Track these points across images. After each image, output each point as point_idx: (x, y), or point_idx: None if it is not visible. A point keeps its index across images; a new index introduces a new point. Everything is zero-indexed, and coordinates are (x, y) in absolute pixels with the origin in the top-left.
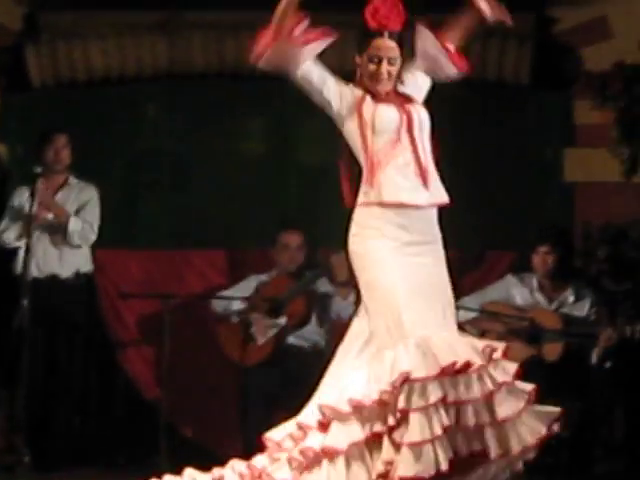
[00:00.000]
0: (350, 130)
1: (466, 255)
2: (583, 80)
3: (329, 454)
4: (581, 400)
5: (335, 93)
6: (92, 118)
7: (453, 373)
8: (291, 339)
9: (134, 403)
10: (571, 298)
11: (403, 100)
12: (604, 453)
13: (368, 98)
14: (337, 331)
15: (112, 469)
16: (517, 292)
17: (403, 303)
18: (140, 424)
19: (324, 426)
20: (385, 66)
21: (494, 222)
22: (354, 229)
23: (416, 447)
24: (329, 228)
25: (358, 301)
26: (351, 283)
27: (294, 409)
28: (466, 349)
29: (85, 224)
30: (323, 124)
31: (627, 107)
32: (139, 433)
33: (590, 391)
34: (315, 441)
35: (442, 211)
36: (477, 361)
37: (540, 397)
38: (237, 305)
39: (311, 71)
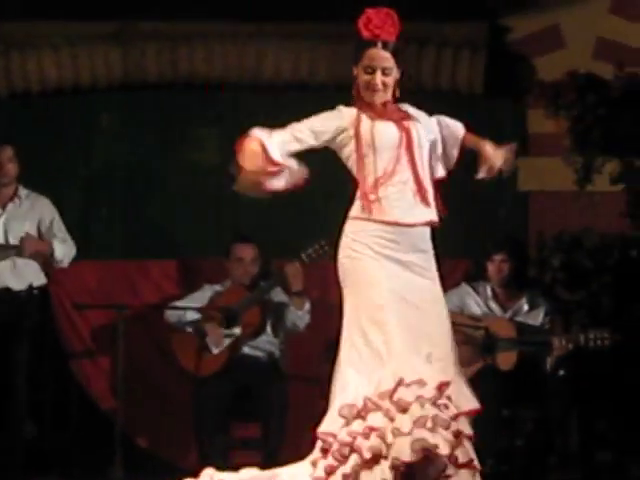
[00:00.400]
0: (348, 152)
1: None
2: (536, 89)
3: None
4: (536, 408)
5: (330, 133)
6: (46, 129)
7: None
8: (246, 349)
9: (89, 414)
10: (525, 307)
11: (402, 116)
12: (559, 461)
13: (364, 117)
14: (292, 341)
15: None
16: (471, 301)
17: (389, 328)
18: (95, 435)
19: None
20: (379, 76)
21: (448, 230)
22: (346, 242)
23: None
24: (283, 238)
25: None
26: (305, 293)
27: (248, 419)
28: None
29: (65, 244)
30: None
31: (580, 116)
32: (94, 444)
33: (544, 399)
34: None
35: None
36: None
37: (495, 406)
38: (191, 315)
39: (294, 147)
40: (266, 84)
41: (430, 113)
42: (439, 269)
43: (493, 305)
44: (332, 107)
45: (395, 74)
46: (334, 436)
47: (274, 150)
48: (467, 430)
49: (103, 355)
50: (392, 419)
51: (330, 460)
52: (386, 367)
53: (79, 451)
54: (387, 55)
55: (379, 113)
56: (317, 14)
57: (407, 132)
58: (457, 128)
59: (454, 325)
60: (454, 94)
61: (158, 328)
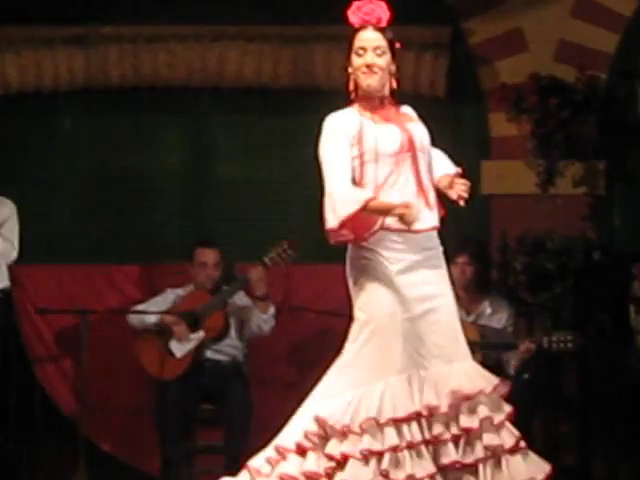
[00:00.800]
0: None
1: None
2: (499, 92)
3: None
4: None
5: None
6: (8, 132)
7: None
8: (209, 353)
9: (53, 418)
10: (488, 310)
11: (404, 118)
12: None
13: (365, 121)
14: (256, 345)
15: None
16: None
17: (394, 339)
18: (59, 440)
19: (303, 450)
20: (372, 56)
21: None
22: (352, 248)
23: None
24: (247, 241)
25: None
26: (270, 297)
27: (211, 423)
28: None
29: (7, 242)
30: (241, 138)
31: (542, 119)
32: (58, 449)
33: (509, 403)
34: (293, 466)
35: None
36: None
37: None
38: (154, 319)
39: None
40: (229, 88)
41: None
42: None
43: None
44: (295, 111)
45: (389, 62)
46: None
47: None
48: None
49: (67, 360)
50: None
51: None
52: (377, 386)
53: (43, 456)
54: (378, 35)
55: (380, 114)
56: (279, 17)
57: (410, 136)
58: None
59: None
60: (416, 97)
61: (121, 332)
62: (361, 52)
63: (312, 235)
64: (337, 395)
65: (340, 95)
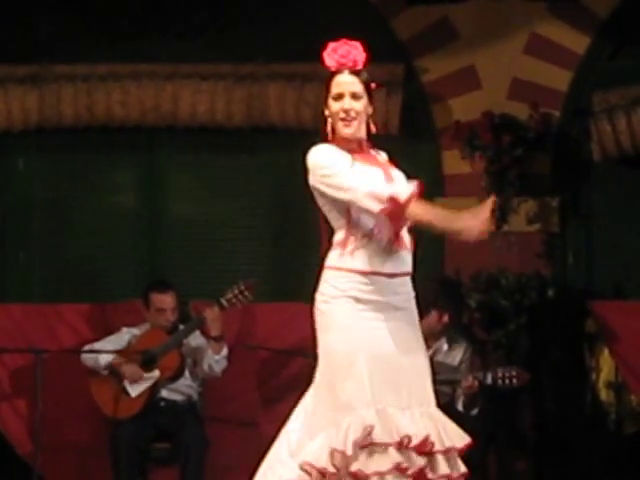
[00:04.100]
0: (323, 200)
1: None
2: (452, 130)
3: None
4: None
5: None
6: None
7: (412, 447)
8: (164, 392)
9: (7, 458)
10: (445, 346)
11: (386, 164)
12: None
13: (354, 162)
14: (211, 383)
15: None
16: None
17: (366, 374)
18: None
19: None
20: (348, 100)
21: None
22: (324, 288)
23: None
24: (201, 279)
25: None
26: (224, 338)
27: (166, 462)
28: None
29: None
30: (194, 176)
31: (496, 156)
32: None
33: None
34: None
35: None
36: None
37: None
38: (109, 358)
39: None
40: (182, 126)
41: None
42: None
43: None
44: (248, 149)
45: (366, 105)
46: None
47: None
48: (462, 469)
49: (21, 399)
50: None
51: None
52: (355, 415)
53: None
54: (355, 80)
55: (360, 156)
56: (233, 55)
57: (390, 178)
58: None
59: None
60: (370, 134)
61: (76, 372)
62: (337, 97)
63: (266, 273)
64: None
65: (293, 133)
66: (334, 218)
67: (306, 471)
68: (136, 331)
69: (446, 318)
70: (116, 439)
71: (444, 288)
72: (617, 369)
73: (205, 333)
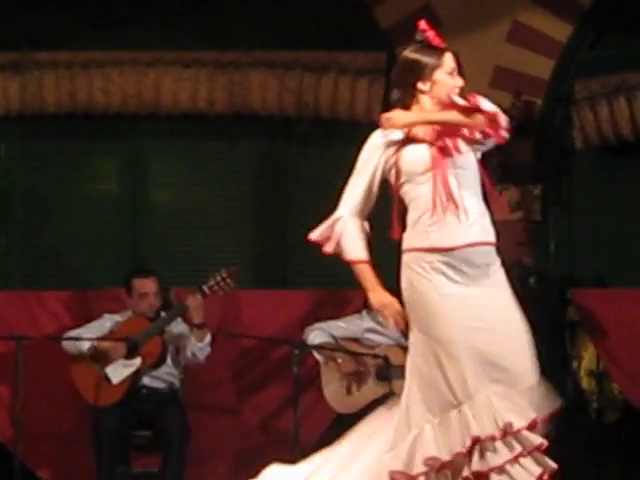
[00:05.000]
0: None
1: (323, 293)
2: None
3: None
4: None
5: None
6: None
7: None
8: (146, 380)
9: None
10: None
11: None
12: None
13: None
14: (193, 371)
15: None
16: (372, 329)
17: (465, 364)
18: None
19: None
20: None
21: None
22: (406, 273)
23: None
24: (183, 266)
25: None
26: (206, 325)
27: (148, 450)
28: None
29: None
30: (176, 163)
31: None
32: None
33: None
34: None
35: (296, 249)
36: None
37: None
38: (91, 345)
39: None
40: (164, 113)
41: (328, 142)
42: (341, 299)
43: (395, 333)
44: (230, 137)
45: None
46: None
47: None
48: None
49: (3, 386)
50: None
51: None
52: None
53: None
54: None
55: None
56: (215, 43)
57: (439, 150)
58: None
59: (352, 354)
60: (352, 123)
61: (58, 358)
62: (452, 72)
63: (248, 260)
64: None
65: (275, 120)
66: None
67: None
68: (118, 318)
69: None
70: (98, 426)
71: None
72: (598, 357)
73: (187, 320)
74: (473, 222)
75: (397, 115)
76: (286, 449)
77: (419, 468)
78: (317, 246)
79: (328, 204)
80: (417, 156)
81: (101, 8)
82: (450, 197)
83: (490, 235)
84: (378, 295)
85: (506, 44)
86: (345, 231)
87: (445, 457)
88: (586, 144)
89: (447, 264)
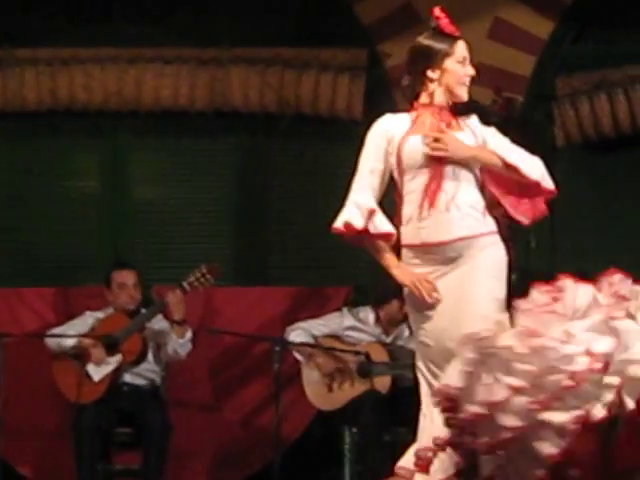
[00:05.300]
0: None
1: (304, 290)
2: None
3: None
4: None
5: None
6: None
7: None
8: (127, 377)
9: None
10: (406, 332)
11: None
12: None
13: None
14: (174, 368)
15: None
16: (352, 326)
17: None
18: None
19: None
20: (470, 68)
21: (329, 257)
22: None
23: None
24: (164, 264)
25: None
26: (187, 321)
27: (129, 447)
28: None
29: None
30: (158, 160)
31: None
32: None
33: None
34: None
35: (277, 247)
36: None
37: (376, 430)
38: (72, 342)
39: None
40: (146, 110)
41: (309, 138)
42: (321, 296)
43: (376, 330)
44: (211, 133)
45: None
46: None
47: None
48: None
49: None
50: None
51: None
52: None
53: None
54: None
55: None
56: (196, 39)
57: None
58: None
59: (333, 350)
60: (333, 120)
61: (39, 356)
62: (463, 61)
63: (229, 257)
64: None
65: (256, 117)
66: None
67: None
68: (100, 315)
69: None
70: (79, 423)
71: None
72: None
73: (168, 317)
74: (464, 216)
75: (451, 142)
76: (267, 446)
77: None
78: (298, 243)
79: (309, 200)
80: (416, 147)
81: (82, 5)
82: (437, 191)
83: (483, 227)
84: (403, 271)
85: (487, 41)
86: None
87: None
88: (567, 141)
89: (435, 260)
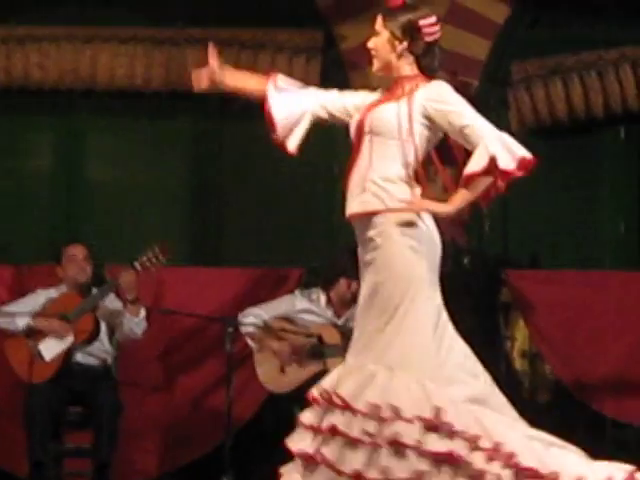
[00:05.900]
0: None
1: (258, 271)
2: None
3: None
4: None
5: None
6: None
7: None
8: (79, 356)
9: None
10: None
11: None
12: None
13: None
14: (126, 348)
15: None
16: (304, 308)
17: None
18: None
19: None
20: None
21: (283, 238)
22: None
23: None
24: (117, 243)
25: None
26: (140, 300)
27: (80, 427)
28: None
29: None
30: (112, 140)
31: None
32: None
33: None
34: None
35: (232, 228)
36: None
37: None
38: (24, 321)
39: None
40: (101, 90)
41: (264, 119)
42: (274, 278)
43: (328, 312)
44: (166, 114)
45: (385, 42)
46: None
47: None
48: None
49: None
50: None
51: None
52: None
53: None
54: (379, 18)
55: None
56: (152, 19)
57: (363, 116)
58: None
59: (284, 331)
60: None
61: None
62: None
63: (184, 237)
64: None
65: (211, 98)
66: None
67: None
68: (52, 293)
69: (355, 286)
70: (30, 402)
71: (354, 257)
72: (531, 338)
73: (120, 296)
74: (366, 189)
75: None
76: (218, 427)
77: None
78: (252, 224)
79: (263, 180)
80: (354, 121)
81: None
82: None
83: (382, 202)
84: None
85: (443, 24)
86: None
87: None
88: (522, 125)
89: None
